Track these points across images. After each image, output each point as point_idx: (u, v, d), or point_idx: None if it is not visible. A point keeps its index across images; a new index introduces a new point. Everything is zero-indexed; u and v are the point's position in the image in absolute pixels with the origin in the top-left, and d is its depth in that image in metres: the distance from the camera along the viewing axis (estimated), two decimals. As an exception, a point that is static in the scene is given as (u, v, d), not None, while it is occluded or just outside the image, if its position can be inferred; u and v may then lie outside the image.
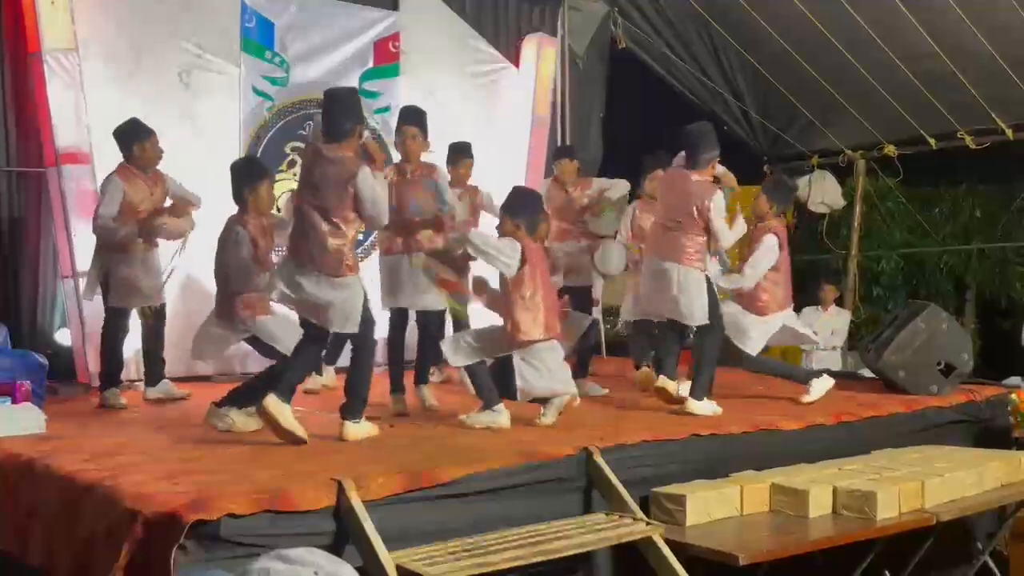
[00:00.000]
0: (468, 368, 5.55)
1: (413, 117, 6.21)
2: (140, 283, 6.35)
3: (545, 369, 5.45)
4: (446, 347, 5.56)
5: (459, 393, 6.44)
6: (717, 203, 5.98)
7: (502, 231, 5.58)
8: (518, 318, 5.41)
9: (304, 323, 5.16)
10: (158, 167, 6.49)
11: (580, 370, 6.75)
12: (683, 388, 6.16)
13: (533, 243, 5.59)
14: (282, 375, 5.05)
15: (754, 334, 6.43)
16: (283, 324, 5.52)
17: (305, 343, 5.14)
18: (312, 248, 4.97)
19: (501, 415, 5.38)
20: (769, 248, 6.39)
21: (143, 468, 4.22)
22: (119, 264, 6.30)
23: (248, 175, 5.75)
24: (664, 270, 6.04)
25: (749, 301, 6.45)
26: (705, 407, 5.88)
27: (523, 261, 5.43)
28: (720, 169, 6.20)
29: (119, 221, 6.25)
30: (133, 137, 6.39)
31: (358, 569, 3.63)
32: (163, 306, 6.54)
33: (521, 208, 5.59)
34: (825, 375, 6.57)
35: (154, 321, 6.47)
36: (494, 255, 5.43)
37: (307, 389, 6.32)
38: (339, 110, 5.08)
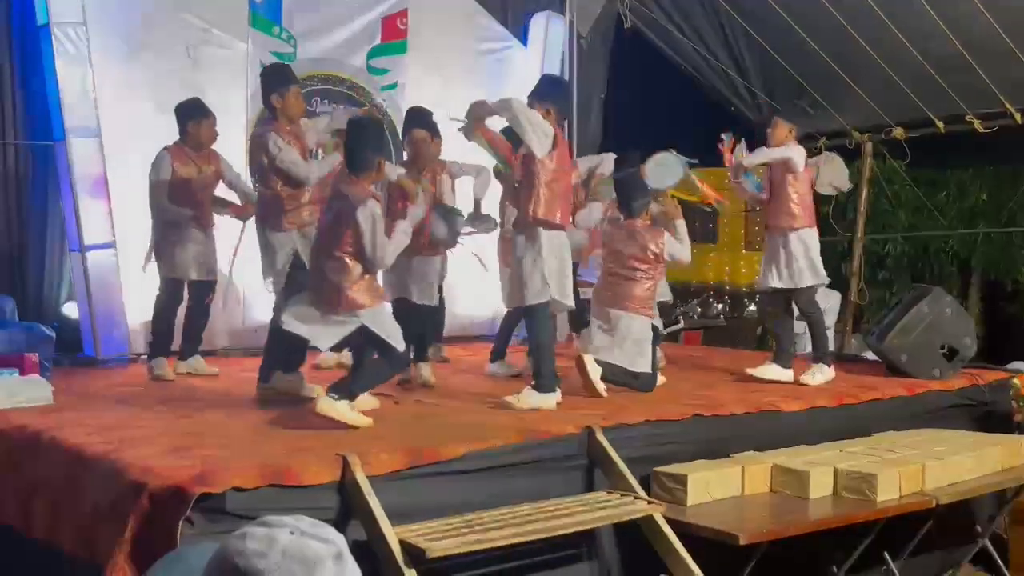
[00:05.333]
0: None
1: (420, 119, 6.18)
2: (191, 257, 6.40)
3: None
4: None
5: (461, 373, 6.49)
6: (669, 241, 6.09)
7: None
8: (539, 198, 5.39)
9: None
10: (214, 148, 6.56)
11: None
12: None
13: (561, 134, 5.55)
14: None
15: None
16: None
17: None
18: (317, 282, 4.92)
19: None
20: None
21: (149, 441, 4.25)
22: (171, 237, 6.36)
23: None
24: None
25: None
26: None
27: (554, 145, 5.40)
28: (656, 208, 6.26)
29: (171, 197, 6.33)
30: (188, 115, 6.42)
31: (361, 543, 3.68)
32: (213, 283, 6.55)
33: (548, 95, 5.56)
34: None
35: (198, 296, 6.52)
36: (529, 127, 5.31)
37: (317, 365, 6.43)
38: (362, 141, 4.98)
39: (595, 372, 5.63)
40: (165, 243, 6.37)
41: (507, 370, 6.68)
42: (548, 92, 5.63)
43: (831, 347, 9.32)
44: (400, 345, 4.89)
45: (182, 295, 6.50)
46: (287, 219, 5.62)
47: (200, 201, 6.43)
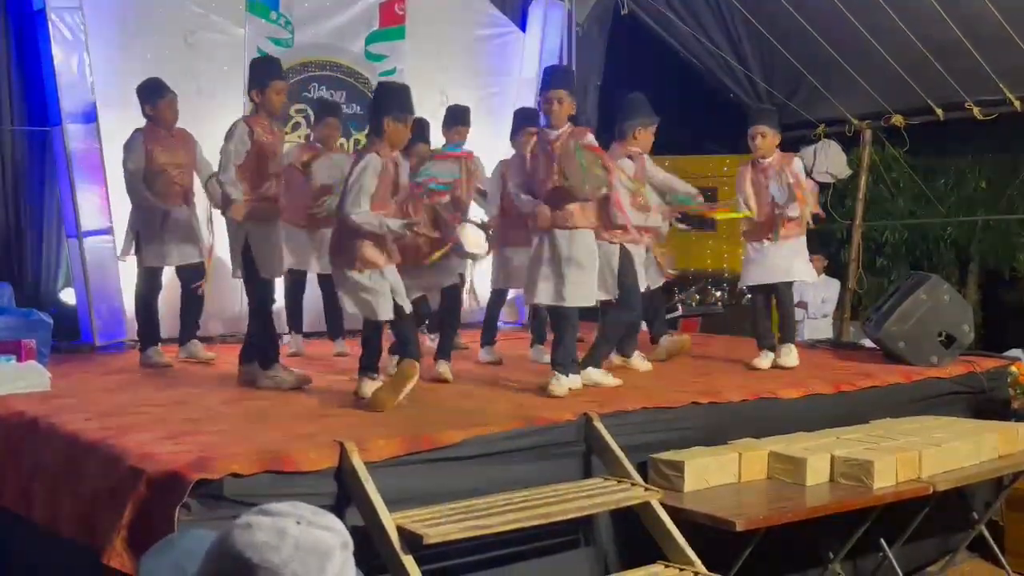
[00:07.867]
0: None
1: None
2: (169, 242, 6.41)
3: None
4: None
5: (458, 360, 6.48)
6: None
7: None
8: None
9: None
10: (187, 130, 6.61)
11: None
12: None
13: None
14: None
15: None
16: None
17: None
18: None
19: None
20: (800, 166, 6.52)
21: (147, 427, 4.25)
22: (149, 222, 6.37)
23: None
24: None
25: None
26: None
27: None
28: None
29: (147, 180, 6.37)
30: (145, 96, 6.47)
31: (359, 528, 3.69)
32: (200, 264, 6.53)
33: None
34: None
35: (188, 281, 6.52)
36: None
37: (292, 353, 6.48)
38: (373, 106, 5.20)
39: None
40: (145, 230, 6.39)
41: (493, 357, 6.72)
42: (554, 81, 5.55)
43: (831, 335, 9.37)
44: None
45: (160, 283, 6.54)
46: (235, 209, 5.53)
47: (177, 182, 6.46)
